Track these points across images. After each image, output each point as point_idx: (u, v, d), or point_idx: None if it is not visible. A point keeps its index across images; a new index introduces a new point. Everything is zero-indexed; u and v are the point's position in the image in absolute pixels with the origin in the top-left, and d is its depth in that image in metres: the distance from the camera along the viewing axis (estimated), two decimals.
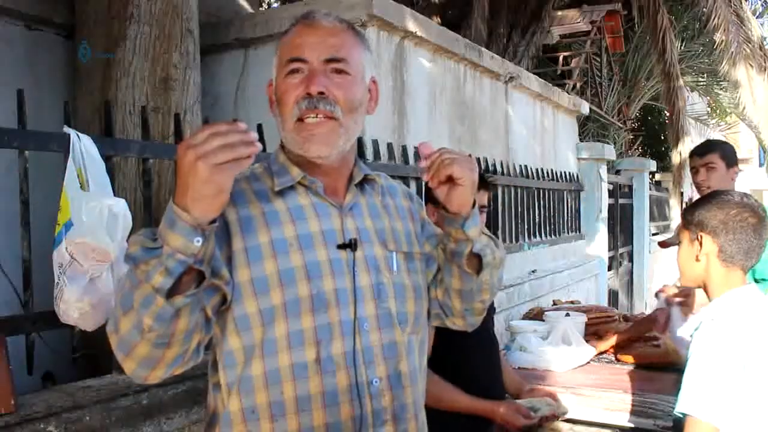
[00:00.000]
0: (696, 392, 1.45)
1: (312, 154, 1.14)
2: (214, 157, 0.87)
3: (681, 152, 8.86)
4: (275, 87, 1.18)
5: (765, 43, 8.85)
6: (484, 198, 2.01)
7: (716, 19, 7.84)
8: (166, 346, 0.97)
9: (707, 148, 2.88)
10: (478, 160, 4.09)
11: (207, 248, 0.94)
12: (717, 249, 1.59)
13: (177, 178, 0.90)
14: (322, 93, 1.11)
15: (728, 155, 2.81)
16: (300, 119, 1.12)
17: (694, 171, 2.85)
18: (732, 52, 7.88)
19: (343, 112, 1.13)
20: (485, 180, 2.03)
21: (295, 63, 1.13)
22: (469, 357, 1.98)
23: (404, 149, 3.37)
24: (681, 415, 1.47)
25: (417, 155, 3.40)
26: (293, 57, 1.14)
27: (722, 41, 7.88)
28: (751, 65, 7.97)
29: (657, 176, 11.25)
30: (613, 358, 2.98)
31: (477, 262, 1.21)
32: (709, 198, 1.67)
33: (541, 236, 5.10)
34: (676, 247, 1.76)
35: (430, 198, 2.08)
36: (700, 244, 1.62)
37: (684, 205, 11.84)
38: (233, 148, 0.88)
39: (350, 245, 1.14)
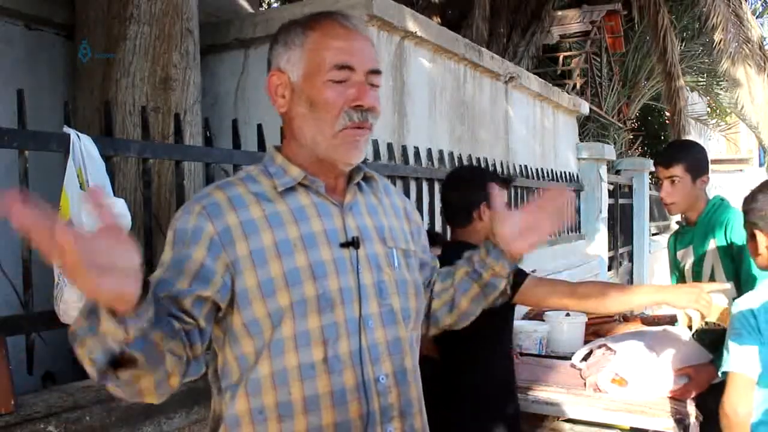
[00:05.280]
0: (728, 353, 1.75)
1: (351, 161, 1.16)
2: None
3: None
4: (311, 87, 1.14)
5: (765, 43, 8.85)
6: (504, 196, 2.07)
7: (715, 18, 7.85)
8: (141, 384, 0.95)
9: (671, 157, 2.52)
10: (478, 160, 4.09)
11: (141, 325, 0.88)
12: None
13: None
14: (372, 107, 1.14)
15: (695, 165, 2.47)
16: (345, 128, 1.13)
17: (659, 183, 2.55)
18: (731, 52, 7.88)
19: (373, 124, 1.17)
20: (506, 180, 2.17)
21: (344, 71, 1.12)
22: (495, 350, 2.06)
23: (404, 149, 3.37)
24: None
25: (417, 155, 3.40)
26: (343, 64, 1.12)
27: (721, 40, 7.88)
28: (749, 65, 7.98)
29: None
30: None
31: (499, 294, 1.34)
32: None
33: None
34: None
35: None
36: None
37: None
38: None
39: (353, 243, 1.15)
